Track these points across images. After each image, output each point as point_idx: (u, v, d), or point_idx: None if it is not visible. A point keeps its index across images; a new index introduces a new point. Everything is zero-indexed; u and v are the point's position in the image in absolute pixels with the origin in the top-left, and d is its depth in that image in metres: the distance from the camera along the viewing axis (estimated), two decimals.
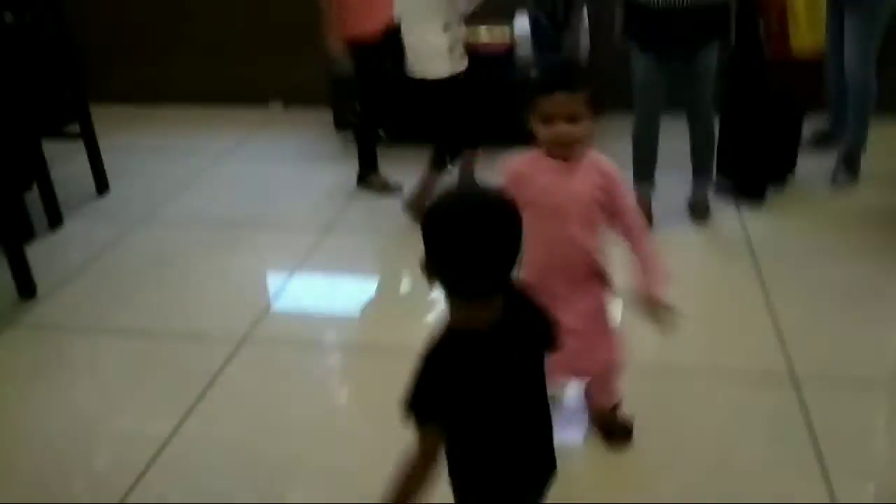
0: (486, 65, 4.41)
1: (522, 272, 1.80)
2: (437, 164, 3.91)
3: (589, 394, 2.47)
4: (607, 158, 2.10)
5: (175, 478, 2.37)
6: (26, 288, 3.36)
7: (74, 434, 2.58)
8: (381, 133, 4.37)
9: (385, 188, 4.22)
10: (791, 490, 2.23)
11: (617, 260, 2.16)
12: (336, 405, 2.73)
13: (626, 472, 2.30)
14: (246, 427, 2.58)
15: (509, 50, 4.59)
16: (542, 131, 1.98)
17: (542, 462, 1.58)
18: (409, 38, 3.68)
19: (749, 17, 3.71)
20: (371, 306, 3.37)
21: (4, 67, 3.70)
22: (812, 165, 4.16)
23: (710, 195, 3.90)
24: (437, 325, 1.43)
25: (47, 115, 4.14)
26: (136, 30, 5.61)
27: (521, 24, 4.59)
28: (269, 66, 5.45)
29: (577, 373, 2.31)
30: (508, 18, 4.70)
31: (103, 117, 4.52)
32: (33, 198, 3.92)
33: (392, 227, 3.87)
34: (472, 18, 3.98)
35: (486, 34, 4.58)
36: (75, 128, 4.27)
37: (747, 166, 3.96)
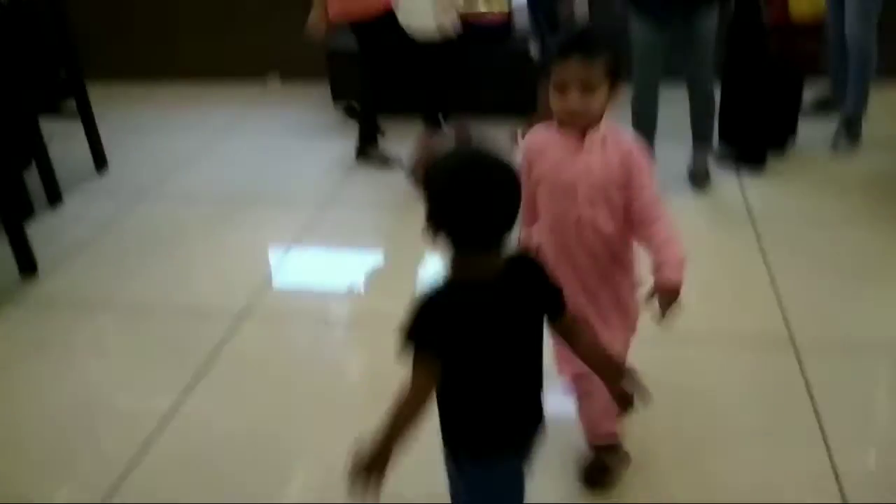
0: (483, 35, 4.39)
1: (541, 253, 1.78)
2: (431, 124, 3.99)
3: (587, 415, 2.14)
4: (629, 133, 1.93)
5: (178, 452, 2.39)
6: (27, 265, 3.37)
7: (76, 410, 2.60)
8: (382, 132, 4.35)
9: (384, 162, 4.21)
10: (791, 454, 2.24)
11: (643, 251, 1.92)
12: (338, 377, 2.74)
13: (626, 437, 2.31)
14: (248, 401, 2.60)
15: (507, 20, 4.56)
16: (555, 102, 1.80)
17: (529, 411, 1.62)
18: None
19: None
20: (371, 279, 3.37)
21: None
22: (812, 131, 4.14)
23: (711, 162, 3.88)
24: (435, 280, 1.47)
25: (43, 93, 4.12)
26: (132, 7, 5.58)
27: None
28: (266, 40, 5.41)
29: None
30: None
31: (101, 95, 4.51)
32: (33, 176, 3.92)
33: (391, 200, 3.87)
34: None
35: (485, 4, 4.54)
36: (73, 106, 4.26)
37: (747, 133, 3.94)
